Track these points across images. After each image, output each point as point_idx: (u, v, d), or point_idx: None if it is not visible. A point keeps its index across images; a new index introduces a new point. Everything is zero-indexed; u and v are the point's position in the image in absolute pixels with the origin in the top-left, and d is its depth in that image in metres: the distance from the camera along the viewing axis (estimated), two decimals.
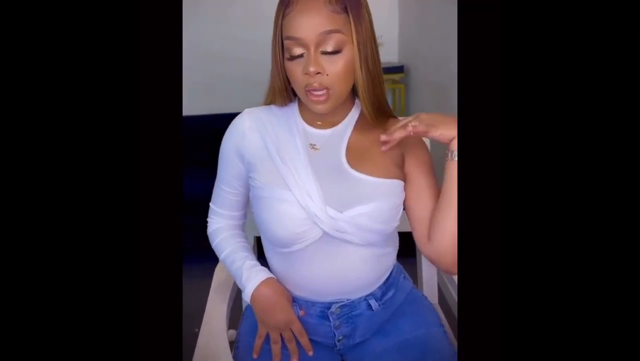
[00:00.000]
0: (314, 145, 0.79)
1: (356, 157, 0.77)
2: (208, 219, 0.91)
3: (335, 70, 0.70)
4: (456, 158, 0.70)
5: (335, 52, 0.69)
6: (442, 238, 0.73)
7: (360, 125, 0.80)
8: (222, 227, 0.89)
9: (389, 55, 2.98)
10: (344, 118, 0.80)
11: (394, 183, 0.77)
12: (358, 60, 0.70)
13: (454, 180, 0.70)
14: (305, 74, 0.70)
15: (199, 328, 0.86)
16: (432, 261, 0.78)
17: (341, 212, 0.74)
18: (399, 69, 2.82)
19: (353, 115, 0.81)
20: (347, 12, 0.69)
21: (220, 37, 2.84)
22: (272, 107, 0.81)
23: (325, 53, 0.69)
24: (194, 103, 2.56)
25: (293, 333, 0.80)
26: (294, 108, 0.81)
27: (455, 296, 1.66)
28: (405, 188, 0.79)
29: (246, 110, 0.82)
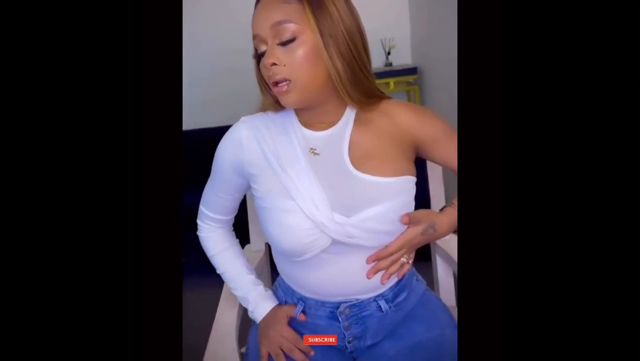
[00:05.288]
0: (314, 149, 0.75)
1: (360, 156, 0.74)
2: (199, 221, 0.90)
3: (291, 59, 0.68)
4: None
5: (289, 41, 0.67)
6: None
7: (360, 121, 0.76)
8: (214, 234, 0.90)
9: (401, 57, 2.97)
10: (341, 116, 0.76)
11: (404, 180, 0.74)
12: (324, 49, 0.67)
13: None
14: (265, 67, 0.69)
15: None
16: None
17: (348, 217, 0.72)
18: (412, 71, 2.80)
19: (351, 111, 0.76)
20: (300, 2, 0.68)
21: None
22: (269, 112, 0.78)
23: (280, 44, 0.68)
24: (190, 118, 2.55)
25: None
26: (290, 111, 0.78)
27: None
28: (428, 158, 0.81)
29: (242, 118, 0.79)
